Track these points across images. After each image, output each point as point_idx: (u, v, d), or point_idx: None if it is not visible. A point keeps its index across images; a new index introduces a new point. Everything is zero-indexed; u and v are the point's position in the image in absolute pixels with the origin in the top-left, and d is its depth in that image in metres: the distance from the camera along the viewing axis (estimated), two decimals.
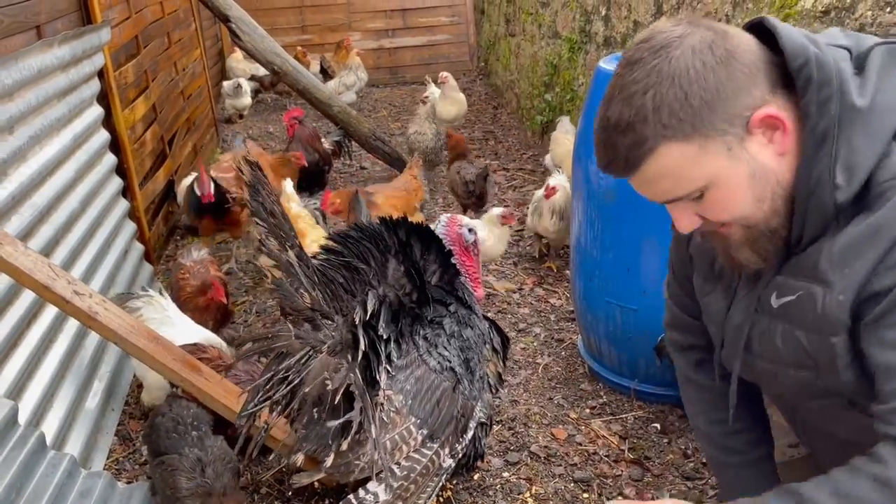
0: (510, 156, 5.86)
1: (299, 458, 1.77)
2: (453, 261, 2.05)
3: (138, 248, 3.73)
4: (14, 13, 2.69)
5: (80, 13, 3.41)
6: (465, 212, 4.29)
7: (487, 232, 3.42)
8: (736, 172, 1.16)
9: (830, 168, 1.13)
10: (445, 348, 1.87)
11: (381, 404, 1.76)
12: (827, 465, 1.21)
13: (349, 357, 1.72)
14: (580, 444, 2.51)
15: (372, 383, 1.74)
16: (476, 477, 2.37)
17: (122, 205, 3.57)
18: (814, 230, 1.18)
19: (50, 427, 2.35)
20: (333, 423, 1.70)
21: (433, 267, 1.99)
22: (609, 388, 2.81)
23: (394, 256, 1.90)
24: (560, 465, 2.42)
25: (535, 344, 3.16)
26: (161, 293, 2.84)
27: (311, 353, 1.73)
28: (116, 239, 3.41)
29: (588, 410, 2.70)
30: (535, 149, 5.94)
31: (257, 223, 1.79)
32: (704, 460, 2.36)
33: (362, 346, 1.68)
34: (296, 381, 1.70)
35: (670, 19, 1.22)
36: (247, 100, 7.17)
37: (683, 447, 2.45)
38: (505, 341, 2.25)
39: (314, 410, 1.74)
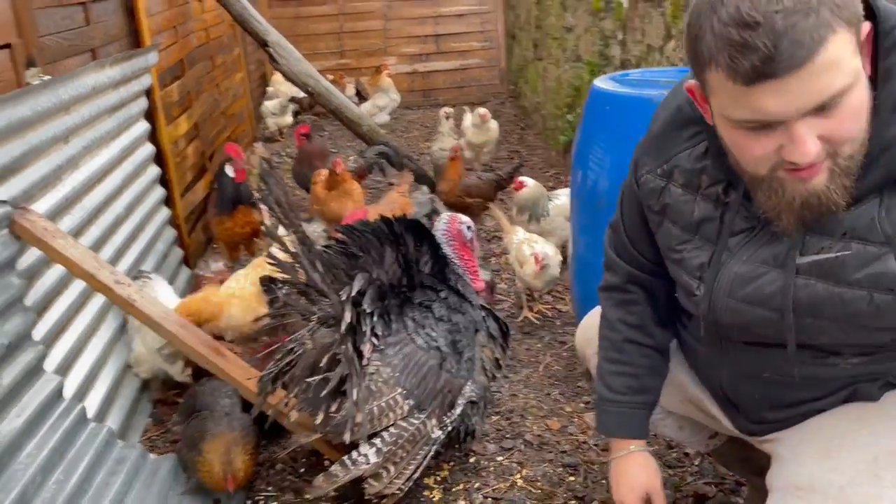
0: (534, 173, 6.07)
1: (293, 416, 2.02)
2: (446, 253, 2.29)
3: (178, 252, 4.04)
4: (71, 38, 3.03)
5: (130, 38, 3.77)
6: None
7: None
8: (862, 78, 1.10)
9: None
10: (433, 329, 2.10)
11: (369, 374, 2.00)
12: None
13: (338, 331, 1.97)
14: (572, 435, 2.70)
15: (359, 354, 1.98)
16: (471, 460, 2.57)
17: (164, 212, 3.89)
18: (869, 190, 1.17)
19: (92, 403, 2.63)
20: (316, 380, 1.95)
21: (426, 258, 2.23)
22: None
23: (389, 246, 2.15)
24: (551, 452, 2.60)
25: (538, 346, 3.36)
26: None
27: (311, 330, 1.99)
28: (157, 243, 3.72)
29: (583, 405, 2.88)
30: (558, 167, 6.16)
31: (266, 209, 2.07)
32: (687, 450, 2.53)
33: (346, 318, 1.92)
34: (298, 352, 1.95)
35: None
36: (288, 118, 7.56)
37: (668, 439, 2.62)
38: (504, 329, 2.46)
39: (309, 377, 1.98)
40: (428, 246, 2.26)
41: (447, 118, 5.75)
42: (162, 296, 3.03)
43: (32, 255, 2.43)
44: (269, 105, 7.41)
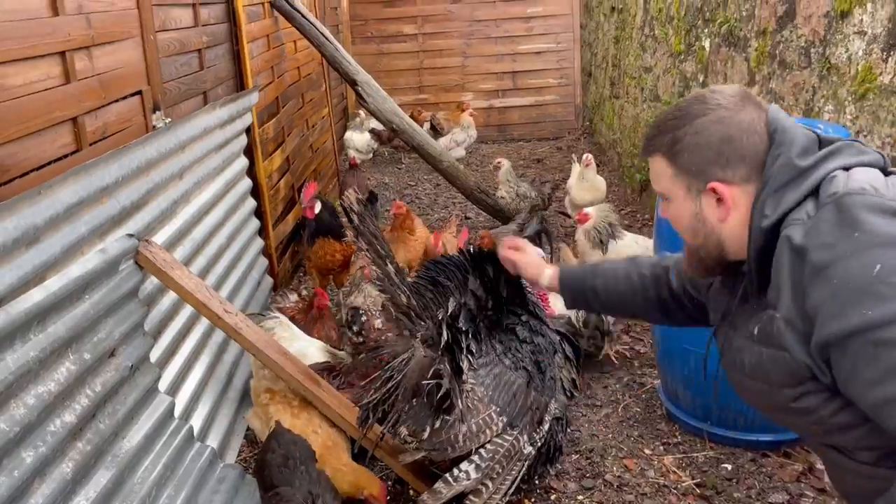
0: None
1: (402, 431, 2.13)
2: (523, 281, 2.42)
3: (268, 280, 4.26)
4: (189, 82, 3.29)
5: (235, 79, 4.04)
6: None
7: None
8: (685, 205, 1.62)
9: (762, 202, 1.49)
10: (518, 350, 2.23)
11: (466, 392, 2.11)
12: None
13: (438, 349, 2.09)
14: (651, 477, 2.73)
15: (458, 372, 2.09)
16: (552, 497, 2.64)
17: (258, 243, 4.12)
18: (755, 256, 1.52)
19: (196, 423, 2.82)
20: (420, 397, 2.06)
21: (505, 286, 2.37)
22: (684, 430, 3.01)
23: (472, 275, 2.30)
24: (631, 494, 2.64)
25: (617, 386, 3.40)
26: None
27: (411, 352, 2.11)
28: (252, 272, 3.94)
29: (662, 447, 2.91)
30: (634, 205, 6.18)
31: (362, 245, 2.22)
32: (770, 501, 2.53)
33: (445, 337, 2.05)
34: (398, 378, 2.08)
35: (737, 87, 1.60)
36: (369, 156, 7.93)
37: (750, 486, 2.62)
38: (577, 351, 2.57)
39: (413, 398, 2.10)
40: (507, 275, 2.40)
41: (498, 169, 5.78)
42: (297, 331, 3.21)
43: (151, 282, 2.65)
44: (356, 140, 7.67)
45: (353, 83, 5.30)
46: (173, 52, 3.08)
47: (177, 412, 2.64)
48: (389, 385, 2.14)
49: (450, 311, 2.14)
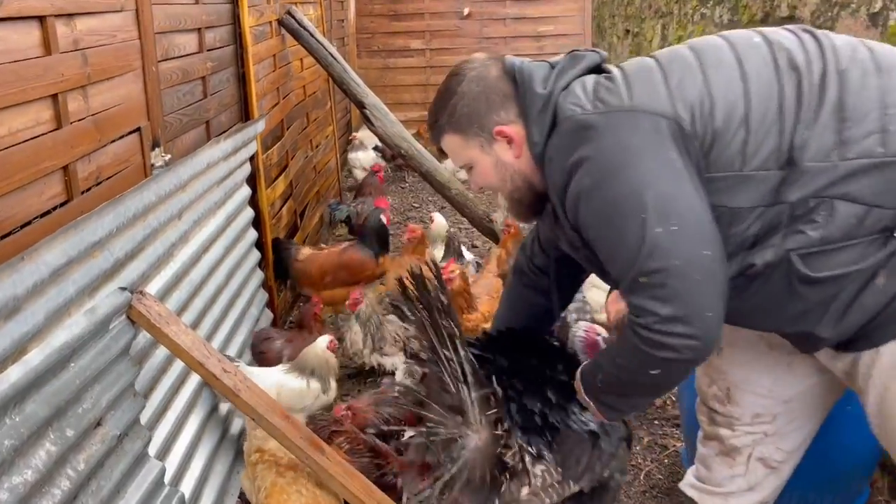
0: None
1: None
2: (580, 359, 2.21)
3: (268, 315, 4.05)
4: (191, 112, 3.09)
5: (240, 105, 3.84)
6: None
7: None
8: (485, 161, 1.76)
9: (531, 132, 1.67)
10: (581, 415, 1.99)
11: (536, 474, 1.87)
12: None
13: (499, 430, 1.86)
14: None
15: (524, 453, 1.87)
16: None
17: (258, 276, 3.91)
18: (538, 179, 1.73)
19: (187, 487, 2.60)
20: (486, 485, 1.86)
21: (560, 362, 2.15)
22: None
23: (528, 351, 2.09)
24: None
25: (637, 448, 3.20)
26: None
27: (463, 439, 1.88)
28: (251, 308, 3.73)
29: None
30: None
31: (412, 335, 1.99)
32: None
33: (508, 420, 1.84)
34: (454, 470, 1.85)
35: (482, 54, 1.82)
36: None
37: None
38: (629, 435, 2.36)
39: (478, 486, 1.87)
40: (560, 351, 2.21)
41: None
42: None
43: (143, 336, 2.44)
44: (363, 159, 7.40)
45: (361, 105, 5.10)
46: (176, 81, 2.88)
47: (168, 477, 2.43)
48: (445, 478, 1.89)
49: (511, 389, 1.93)
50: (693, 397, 2.77)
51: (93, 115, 2.19)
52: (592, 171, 1.53)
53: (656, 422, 3.39)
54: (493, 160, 1.75)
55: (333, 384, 3.23)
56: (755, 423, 1.93)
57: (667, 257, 1.46)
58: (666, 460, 3.11)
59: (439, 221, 5.09)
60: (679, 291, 1.46)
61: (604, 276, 1.76)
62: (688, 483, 2.14)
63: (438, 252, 4.96)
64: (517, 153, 1.72)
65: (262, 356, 3.53)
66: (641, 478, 2.99)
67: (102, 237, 2.10)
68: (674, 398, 3.55)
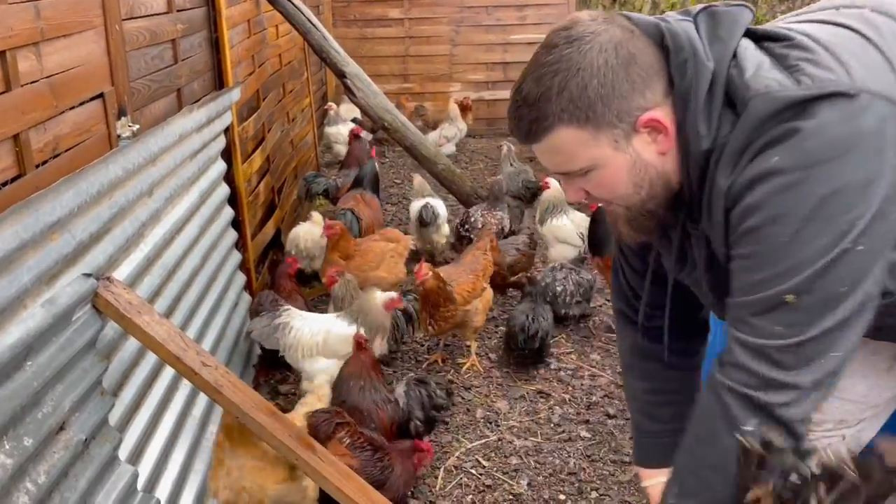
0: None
1: None
2: None
3: (246, 298, 3.80)
4: (160, 79, 2.81)
5: (213, 72, 3.55)
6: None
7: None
8: (618, 161, 1.29)
9: (694, 120, 1.23)
10: None
11: None
12: None
13: None
14: None
15: None
16: None
17: (236, 257, 3.65)
18: (697, 183, 1.29)
19: (163, 492, 2.38)
20: None
21: None
22: None
23: None
24: None
25: (626, 438, 3.02)
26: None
27: None
28: (229, 291, 3.48)
29: None
30: None
31: None
32: None
33: None
34: None
35: (591, 11, 1.31)
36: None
37: None
38: None
39: None
40: None
41: (508, 150, 5.64)
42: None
43: (111, 328, 2.19)
44: (344, 133, 6.90)
45: (342, 75, 4.82)
46: (143, 43, 2.60)
47: (141, 482, 2.20)
48: None
49: None
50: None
51: (47, 77, 1.91)
52: (798, 159, 1.13)
53: None
54: (631, 161, 1.29)
55: (379, 341, 3.25)
56: (837, 427, 1.74)
57: (846, 282, 1.16)
58: None
59: (420, 180, 5.09)
60: (826, 330, 1.17)
61: (716, 305, 1.41)
62: None
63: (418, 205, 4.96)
64: (664, 147, 1.28)
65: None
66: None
67: (62, 217, 1.84)
68: None
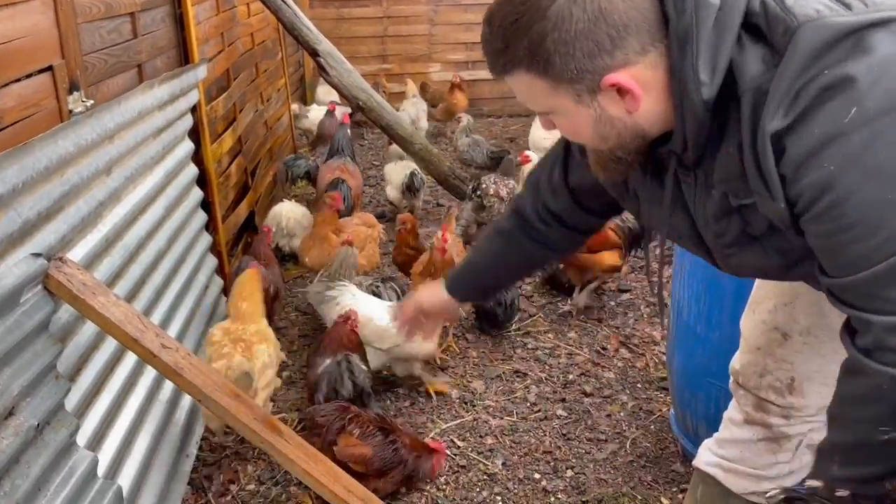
0: None
1: None
2: None
3: (218, 282, 3.72)
4: (118, 53, 2.71)
5: (178, 49, 3.45)
6: None
7: None
8: (580, 114, 1.23)
9: (693, 66, 1.12)
10: None
11: None
12: None
13: None
14: None
15: None
16: None
17: (206, 239, 3.56)
18: (694, 133, 1.19)
19: (126, 476, 2.31)
20: None
21: None
22: None
23: None
24: None
25: (621, 413, 2.99)
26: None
27: None
28: (198, 275, 3.40)
29: (681, 496, 2.52)
30: None
31: None
32: None
33: None
34: None
35: None
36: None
37: None
38: None
39: None
40: None
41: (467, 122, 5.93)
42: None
43: (67, 310, 2.11)
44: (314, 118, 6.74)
45: (315, 53, 4.72)
46: (96, 16, 2.50)
47: (101, 469, 2.13)
48: None
49: None
50: (686, 358, 2.57)
51: None
52: (865, 109, 1.02)
53: (639, 385, 3.19)
54: (595, 116, 1.22)
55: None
56: (819, 413, 1.70)
57: None
58: (652, 427, 2.91)
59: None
60: None
61: (721, 253, 1.35)
62: (708, 462, 1.92)
63: (396, 168, 5.17)
64: (633, 107, 1.20)
65: None
66: (627, 446, 2.79)
67: (3, 193, 1.75)
68: (657, 360, 3.35)
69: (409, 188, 5.01)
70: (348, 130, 5.18)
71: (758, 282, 1.86)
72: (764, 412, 1.81)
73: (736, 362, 1.89)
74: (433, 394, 3.14)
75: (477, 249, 2.01)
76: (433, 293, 2.01)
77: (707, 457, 1.95)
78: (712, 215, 1.30)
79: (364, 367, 2.92)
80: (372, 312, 3.17)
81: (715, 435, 1.97)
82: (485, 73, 8.35)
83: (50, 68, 2.13)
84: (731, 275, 1.44)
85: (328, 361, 2.88)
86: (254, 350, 2.80)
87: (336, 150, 4.98)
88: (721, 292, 2.37)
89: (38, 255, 1.93)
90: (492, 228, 1.97)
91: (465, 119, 6.02)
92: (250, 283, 3.10)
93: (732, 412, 1.92)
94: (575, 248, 1.92)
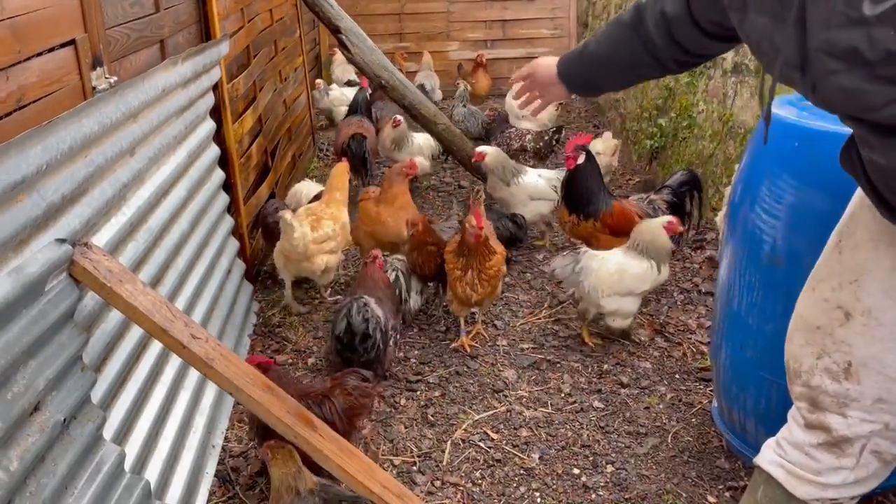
0: (614, 181, 5.56)
1: None
2: None
3: (240, 265, 3.63)
4: (140, 28, 2.59)
5: (199, 24, 3.33)
6: None
7: None
8: None
9: None
10: None
11: None
12: None
13: None
14: None
15: None
16: None
17: (228, 222, 3.46)
18: None
19: (153, 470, 2.23)
20: None
21: None
22: (751, 469, 2.51)
23: None
24: None
25: (661, 406, 2.88)
26: None
27: None
28: (221, 258, 3.30)
29: (728, 494, 2.41)
30: (641, 174, 5.63)
31: None
32: None
33: None
34: None
35: None
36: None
37: None
38: None
39: None
40: None
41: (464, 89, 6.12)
42: None
43: (92, 298, 2.01)
44: (348, 94, 6.56)
45: (336, 30, 4.58)
46: None
47: (129, 463, 2.05)
48: None
49: None
50: (735, 350, 2.45)
51: (8, 18, 1.70)
52: None
53: (677, 376, 3.07)
54: None
55: (666, 268, 3.24)
56: (875, 409, 1.60)
57: None
58: (693, 420, 2.80)
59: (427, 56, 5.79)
60: None
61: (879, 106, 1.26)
62: (770, 461, 1.82)
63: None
64: None
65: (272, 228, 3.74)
66: (669, 440, 2.68)
67: (28, 175, 1.65)
68: (694, 349, 3.24)
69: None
70: (368, 94, 5.64)
71: (821, 259, 1.77)
72: (820, 409, 1.73)
73: (790, 343, 1.79)
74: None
75: (594, 36, 2.06)
76: (549, 66, 2.11)
77: (770, 455, 1.85)
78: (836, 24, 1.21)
79: (379, 312, 2.94)
80: (622, 264, 3.21)
81: (777, 434, 1.87)
82: (504, 52, 8.23)
83: (73, 42, 2.01)
84: (818, 106, 1.40)
85: (347, 299, 3.02)
86: (322, 223, 3.49)
87: (355, 110, 5.47)
88: (776, 282, 2.24)
89: (62, 240, 1.83)
90: (614, 18, 2.02)
91: (462, 85, 6.23)
92: (343, 177, 3.78)
93: (795, 412, 1.83)
94: (670, 69, 1.94)
